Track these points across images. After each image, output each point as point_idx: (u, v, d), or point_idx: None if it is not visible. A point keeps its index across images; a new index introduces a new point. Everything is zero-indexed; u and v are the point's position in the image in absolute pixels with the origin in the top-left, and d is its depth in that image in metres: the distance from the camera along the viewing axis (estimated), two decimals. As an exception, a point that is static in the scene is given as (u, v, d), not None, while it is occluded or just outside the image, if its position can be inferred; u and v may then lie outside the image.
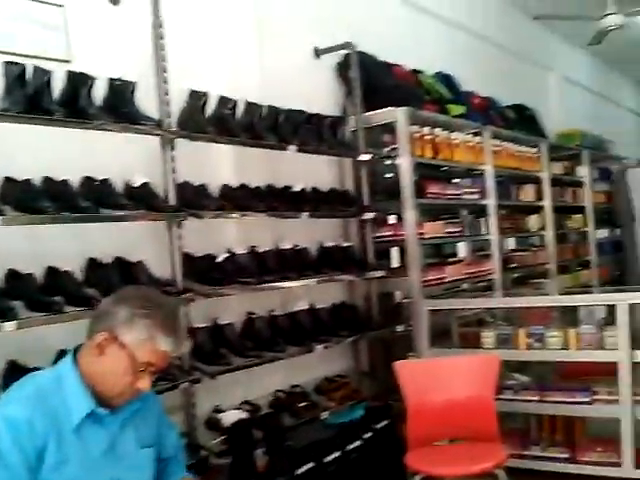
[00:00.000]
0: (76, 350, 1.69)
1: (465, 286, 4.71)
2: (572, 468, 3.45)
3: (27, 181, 2.45)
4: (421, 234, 4.05)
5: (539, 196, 5.68)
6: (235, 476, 2.72)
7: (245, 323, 3.25)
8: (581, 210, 6.55)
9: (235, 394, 3.16)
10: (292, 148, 3.34)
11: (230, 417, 2.87)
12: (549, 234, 5.77)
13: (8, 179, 2.43)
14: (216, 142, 3.10)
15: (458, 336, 4.03)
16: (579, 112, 7.78)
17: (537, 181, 5.70)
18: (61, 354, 2.33)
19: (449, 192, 4.43)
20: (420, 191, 4.07)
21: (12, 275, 2.39)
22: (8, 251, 2.41)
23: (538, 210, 5.72)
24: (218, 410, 2.99)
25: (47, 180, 2.54)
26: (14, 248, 2.43)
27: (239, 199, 3.16)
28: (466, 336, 3.97)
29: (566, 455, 3.51)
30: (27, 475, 1.50)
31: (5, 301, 2.24)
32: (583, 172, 6.56)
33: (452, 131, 4.48)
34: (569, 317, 3.75)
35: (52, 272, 2.49)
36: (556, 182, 5.98)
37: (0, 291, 2.30)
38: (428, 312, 3.88)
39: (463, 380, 3.12)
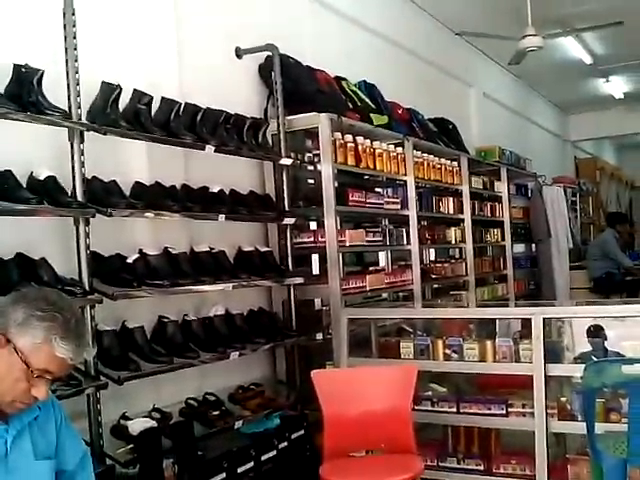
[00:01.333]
0: None
1: (385, 295, 4.80)
2: (487, 480, 3.53)
3: None
4: (342, 242, 4.10)
5: (459, 209, 5.88)
6: (142, 487, 2.64)
7: (156, 327, 3.18)
8: (499, 224, 6.83)
9: (144, 401, 3.07)
10: (210, 148, 3.32)
11: (138, 425, 2.78)
12: (468, 247, 5.98)
13: None
14: (128, 137, 3.04)
15: (377, 346, 4.09)
16: (498, 129, 8.12)
17: (457, 194, 5.91)
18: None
19: (371, 201, 4.51)
20: (342, 198, 4.12)
21: None
22: None
23: (458, 223, 5.92)
24: (125, 417, 2.90)
25: (-58, 168, 2.42)
26: None
27: (152, 198, 3.11)
28: (385, 346, 4.03)
29: (481, 467, 3.58)
30: None
31: None
32: (501, 187, 6.85)
33: (375, 140, 4.57)
34: (486, 329, 3.86)
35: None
36: (475, 196, 6.23)
37: None
38: (348, 320, 3.92)
39: (381, 390, 3.17)
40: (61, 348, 1.54)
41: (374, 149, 4.53)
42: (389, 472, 2.86)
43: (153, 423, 2.86)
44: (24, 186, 2.66)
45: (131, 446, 2.76)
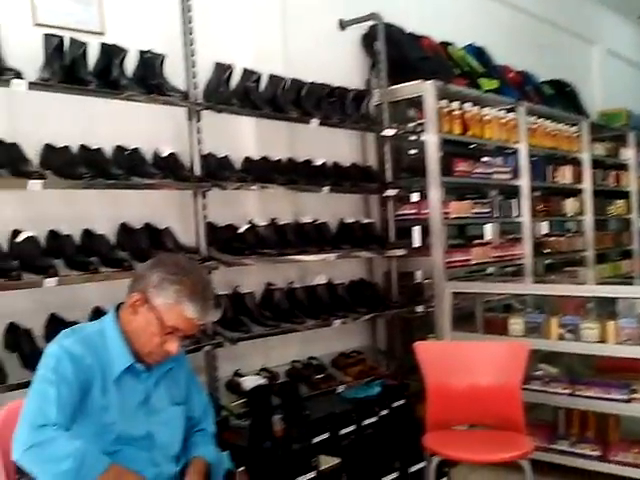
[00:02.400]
0: (118, 307, 2.05)
1: (491, 270, 5.17)
2: (603, 467, 3.75)
3: (66, 148, 3.03)
4: (446, 214, 4.50)
5: (577, 178, 6.10)
6: (253, 438, 3.28)
7: (264, 293, 3.82)
8: (624, 195, 6.94)
9: (254, 361, 3.75)
10: (314, 122, 3.87)
11: (250, 382, 3.44)
12: (588, 219, 6.21)
13: (48, 146, 3.01)
14: (239, 114, 3.66)
15: (482, 321, 4.42)
16: (625, 89, 8.08)
17: (576, 162, 6.12)
18: (96, 311, 2.92)
19: (478, 171, 4.86)
20: (447, 169, 4.52)
21: (53, 235, 2.97)
22: (49, 213, 3.01)
23: (576, 193, 6.14)
24: (238, 374, 3.58)
25: (83, 148, 3.11)
26: (54, 211, 3.03)
27: (260, 171, 3.71)
28: (491, 322, 4.34)
29: (597, 453, 3.81)
30: (72, 405, 1.84)
31: (47, 259, 2.81)
32: (628, 154, 6.93)
33: (483, 107, 4.91)
34: (606, 309, 4.05)
35: (88, 234, 3.07)
36: (597, 164, 6.37)
37: (42, 250, 2.87)
38: (451, 294, 4.31)
39: (488, 366, 3.37)
40: (189, 309, 1.91)
41: (483, 116, 4.88)
42: (498, 448, 3.10)
43: (263, 381, 3.52)
44: (150, 162, 3.33)
45: (244, 400, 3.42)
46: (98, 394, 1.91)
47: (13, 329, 2.82)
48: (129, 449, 1.96)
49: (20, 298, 2.80)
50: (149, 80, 3.23)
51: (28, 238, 2.81)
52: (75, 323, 2.70)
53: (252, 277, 3.79)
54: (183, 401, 2.15)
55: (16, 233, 2.82)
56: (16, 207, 2.93)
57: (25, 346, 2.72)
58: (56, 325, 2.83)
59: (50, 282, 2.72)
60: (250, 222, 3.72)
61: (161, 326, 1.93)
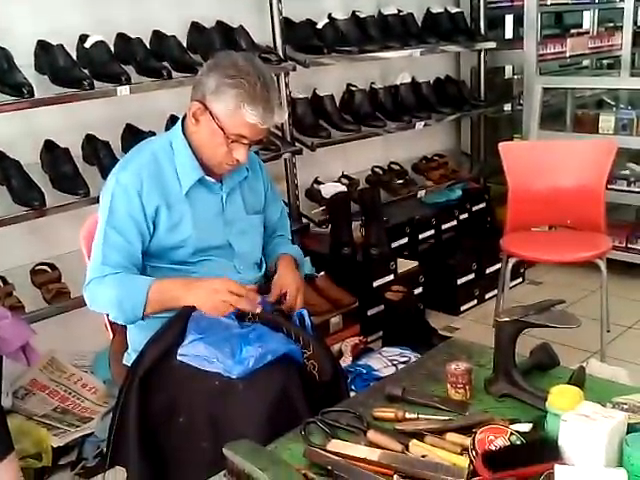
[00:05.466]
0: (184, 117, 1.92)
1: (586, 63, 4.77)
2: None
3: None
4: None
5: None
6: (334, 244, 3.25)
7: (344, 96, 3.59)
8: None
9: (334, 168, 3.61)
10: None
11: (330, 189, 3.34)
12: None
13: None
14: None
15: (572, 119, 4.18)
16: None
17: None
18: (172, 119, 2.78)
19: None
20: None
21: (121, 39, 2.76)
22: (115, 15, 2.78)
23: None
24: (318, 182, 3.47)
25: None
26: (119, 12, 2.80)
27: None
28: (581, 119, 4.10)
29: None
30: (138, 240, 1.79)
31: (117, 65, 2.62)
32: None
33: None
34: None
35: (158, 36, 2.84)
36: None
37: (111, 55, 2.67)
38: (542, 90, 4.00)
39: (573, 165, 3.26)
40: (249, 113, 1.72)
41: None
42: (575, 247, 3.05)
43: (343, 188, 3.40)
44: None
45: (323, 207, 3.34)
46: (165, 216, 1.83)
47: (90, 141, 2.72)
48: (210, 259, 1.91)
49: (94, 108, 2.67)
50: None
51: (97, 43, 2.60)
52: (151, 133, 2.58)
53: (332, 78, 3.53)
54: (261, 209, 2.07)
55: (84, 38, 2.62)
56: (83, 10, 2.70)
57: (104, 158, 2.63)
58: (133, 135, 2.72)
59: (123, 90, 2.56)
60: (329, 16, 3.39)
61: (224, 134, 1.77)
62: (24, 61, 2.48)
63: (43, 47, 2.57)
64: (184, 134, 1.86)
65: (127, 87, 2.57)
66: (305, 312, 1.88)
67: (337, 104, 3.50)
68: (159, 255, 1.86)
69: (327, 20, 3.36)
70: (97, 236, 1.81)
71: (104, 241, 1.78)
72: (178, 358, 1.71)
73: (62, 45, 2.52)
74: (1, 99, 2.33)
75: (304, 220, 3.30)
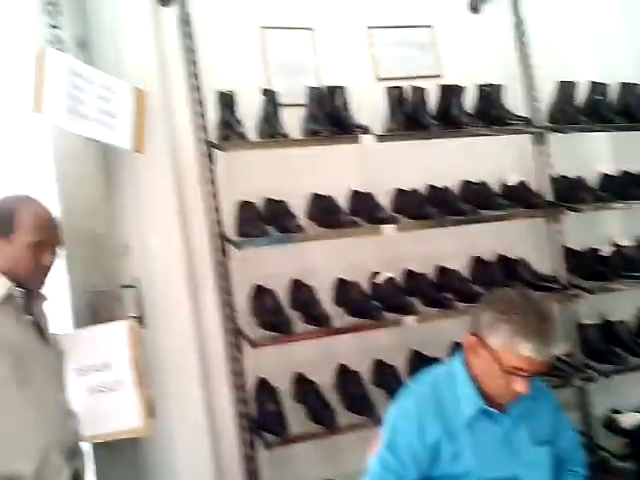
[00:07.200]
0: (465, 348, 1.98)
1: None
2: None
3: (414, 191, 3.11)
4: None
5: None
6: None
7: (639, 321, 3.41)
8: None
9: (633, 395, 3.34)
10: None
11: (630, 419, 3.07)
12: None
13: (399, 190, 3.12)
14: (590, 131, 3.38)
15: None
16: None
17: None
18: (455, 346, 2.90)
19: None
20: None
21: (409, 275, 3.05)
22: (403, 254, 3.11)
23: None
24: (615, 411, 3.22)
25: (431, 188, 3.16)
26: (407, 251, 3.11)
27: (620, 187, 3.36)
28: None
29: None
30: (413, 466, 1.87)
31: (405, 298, 2.88)
32: None
33: None
34: None
35: (442, 271, 3.09)
36: None
37: (400, 289, 2.96)
38: None
39: None
40: (525, 348, 1.75)
41: None
42: None
43: (645, 419, 3.11)
44: (497, 193, 3.25)
45: (625, 440, 3.06)
46: (447, 444, 1.86)
47: (379, 366, 2.94)
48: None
49: (383, 335, 2.91)
50: (489, 112, 3.18)
51: (387, 279, 2.92)
52: (435, 360, 2.72)
53: (623, 303, 3.41)
54: (548, 440, 1.98)
55: (375, 275, 2.96)
56: (372, 250, 3.08)
57: (391, 382, 2.80)
58: (417, 361, 2.88)
59: (409, 320, 2.78)
60: (615, 244, 3.38)
61: (501, 367, 1.79)
62: (324, 295, 2.87)
63: (342, 282, 2.95)
64: (464, 363, 1.92)
65: (414, 317, 2.79)
66: None
67: (631, 330, 3.33)
68: None
69: (612, 247, 3.35)
70: (375, 454, 1.90)
71: (380, 462, 1.87)
72: None
73: (357, 282, 2.88)
74: (307, 329, 2.69)
75: (601, 453, 3.04)
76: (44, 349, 1.96)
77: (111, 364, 2.22)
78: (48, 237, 1.98)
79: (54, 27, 2.55)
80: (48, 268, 2.00)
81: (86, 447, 2.18)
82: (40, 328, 1.98)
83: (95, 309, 2.35)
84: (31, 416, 1.84)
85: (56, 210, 2.22)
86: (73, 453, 1.95)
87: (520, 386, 1.79)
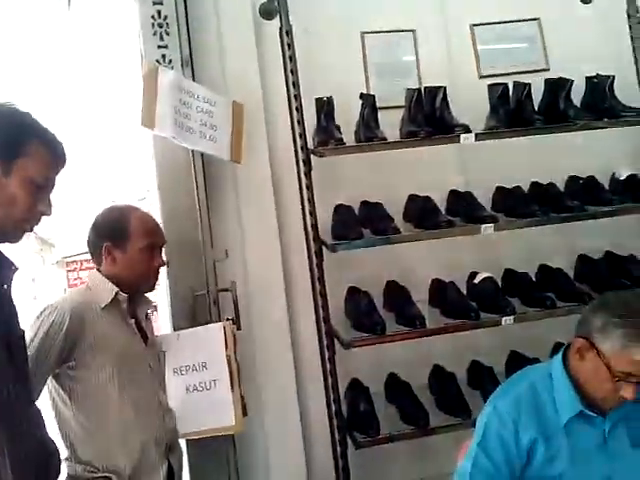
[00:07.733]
0: (566, 348, 1.92)
1: None
2: None
3: (516, 188, 3.06)
4: None
5: None
6: None
7: None
8: None
9: None
10: None
11: None
12: None
13: (499, 188, 3.09)
14: None
15: None
16: None
17: None
18: (557, 347, 2.84)
19: None
20: None
21: (508, 274, 3.02)
22: (503, 253, 3.08)
23: None
24: None
25: (534, 185, 3.09)
26: (507, 250, 3.08)
27: None
28: None
29: None
30: (506, 467, 1.84)
31: (503, 298, 2.85)
32: None
33: None
34: None
35: (544, 270, 3.03)
36: None
37: (499, 289, 2.94)
38: None
39: None
40: (638, 353, 1.71)
41: None
42: None
43: None
44: (606, 188, 3.13)
45: None
46: (542, 447, 1.85)
47: (475, 366, 2.94)
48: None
49: (480, 336, 2.91)
50: (599, 105, 3.06)
51: (485, 279, 2.91)
52: (535, 360, 2.68)
53: None
54: None
55: (473, 275, 2.96)
56: (471, 250, 3.07)
57: (487, 383, 2.79)
58: (517, 362, 2.85)
59: (508, 320, 2.75)
60: None
61: (611, 372, 1.76)
62: (421, 296, 2.90)
63: (438, 283, 2.97)
64: (564, 365, 1.90)
65: (511, 317, 2.76)
66: None
67: None
68: None
69: None
70: (467, 453, 1.92)
71: (473, 462, 1.88)
72: None
73: (453, 282, 2.90)
74: (400, 329, 2.73)
75: None
76: (145, 350, 2.17)
77: (208, 364, 2.37)
78: (157, 239, 2.20)
79: (162, 47, 2.77)
80: (159, 268, 2.21)
81: (182, 444, 2.35)
82: (143, 331, 2.19)
83: (194, 312, 2.53)
84: (131, 415, 2.04)
85: (158, 218, 2.43)
86: (170, 449, 2.15)
87: (628, 392, 1.76)
